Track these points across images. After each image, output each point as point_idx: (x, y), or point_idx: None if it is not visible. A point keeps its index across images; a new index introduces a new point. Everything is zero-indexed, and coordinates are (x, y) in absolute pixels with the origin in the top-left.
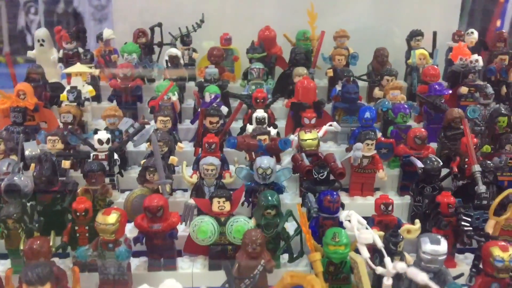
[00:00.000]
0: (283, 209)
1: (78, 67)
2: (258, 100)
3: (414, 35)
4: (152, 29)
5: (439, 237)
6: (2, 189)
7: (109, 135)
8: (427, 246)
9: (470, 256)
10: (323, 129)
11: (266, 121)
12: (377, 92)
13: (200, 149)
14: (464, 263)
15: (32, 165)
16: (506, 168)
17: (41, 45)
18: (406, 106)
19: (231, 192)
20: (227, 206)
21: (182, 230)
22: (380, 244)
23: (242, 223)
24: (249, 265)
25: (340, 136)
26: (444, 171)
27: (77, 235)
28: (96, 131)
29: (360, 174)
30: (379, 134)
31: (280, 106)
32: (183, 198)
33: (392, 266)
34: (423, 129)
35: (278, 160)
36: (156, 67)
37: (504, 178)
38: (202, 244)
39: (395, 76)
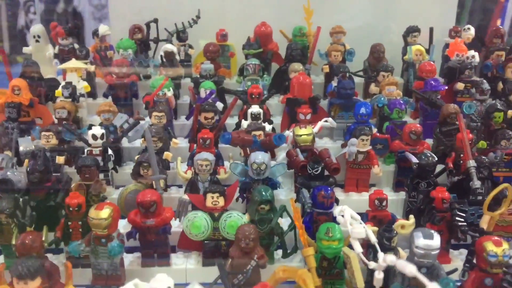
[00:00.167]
0: (278, 205)
1: (73, 63)
2: (253, 96)
3: (411, 31)
4: (148, 25)
5: (432, 231)
6: None
7: (103, 131)
8: (420, 241)
9: (464, 252)
10: (318, 125)
11: (261, 116)
12: (373, 88)
13: (195, 144)
14: (458, 259)
15: (26, 160)
16: (501, 163)
17: (37, 41)
18: (401, 102)
19: (225, 187)
20: (221, 202)
21: (176, 225)
22: (373, 239)
23: (235, 218)
24: (242, 261)
25: (336, 132)
26: (440, 167)
27: (70, 230)
28: (90, 127)
29: (355, 169)
30: (375, 130)
31: (276, 102)
32: (177, 194)
33: (382, 259)
34: (418, 125)
35: (273, 156)
36: (151, 63)
37: (499, 173)
38: (195, 240)
39: (391, 72)
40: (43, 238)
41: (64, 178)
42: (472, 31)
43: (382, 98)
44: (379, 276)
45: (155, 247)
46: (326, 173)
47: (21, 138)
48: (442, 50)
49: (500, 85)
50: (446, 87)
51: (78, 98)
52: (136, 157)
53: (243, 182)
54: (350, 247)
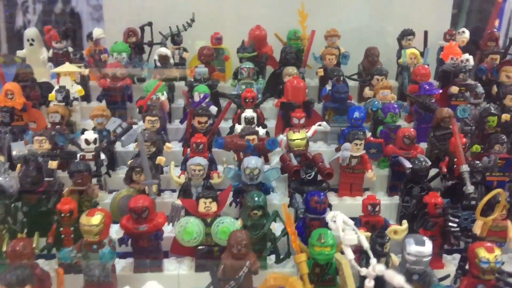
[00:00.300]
0: (273, 209)
1: (66, 67)
2: (247, 100)
3: (406, 35)
4: (142, 28)
5: (424, 238)
6: None
7: (96, 135)
8: (412, 247)
9: (458, 257)
10: (312, 129)
11: (255, 121)
12: (367, 91)
13: (188, 149)
14: (452, 264)
15: (19, 165)
16: (495, 168)
17: (31, 44)
18: (395, 105)
19: (218, 192)
20: (213, 207)
21: (169, 231)
22: (366, 245)
23: (228, 224)
24: (234, 267)
25: (330, 136)
26: (434, 171)
27: (62, 236)
28: (83, 131)
29: (349, 174)
30: (369, 134)
31: (270, 105)
32: (171, 198)
33: (371, 267)
34: (412, 129)
35: (267, 160)
36: (146, 66)
37: (493, 178)
38: (187, 245)
39: (385, 75)
40: (34, 245)
41: (56, 183)
42: (467, 34)
43: (376, 102)
44: (369, 284)
45: (147, 253)
46: (320, 177)
47: (14, 142)
48: (437, 53)
49: (495, 89)
50: (440, 91)
51: (71, 102)
52: (129, 162)
53: (236, 187)
54: (343, 253)
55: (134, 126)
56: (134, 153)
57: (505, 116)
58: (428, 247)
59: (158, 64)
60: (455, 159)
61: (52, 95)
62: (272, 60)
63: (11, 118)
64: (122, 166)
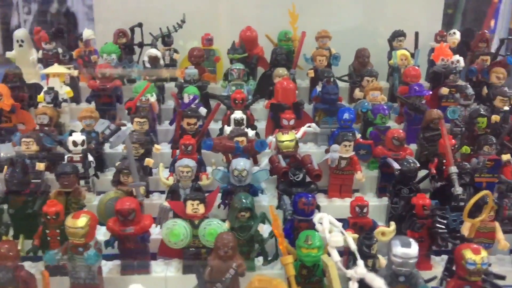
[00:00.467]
0: (262, 211)
1: (55, 68)
2: (236, 101)
3: (396, 36)
4: (132, 29)
5: (410, 240)
6: None
7: (83, 137)
8: (398, 249)
9: (446, 258)
10: (301, 130)
11: (245, 122)
12: (357, 93)
13: (177, 150)
14: (440, 265)
15: (5, 167)
16: (484, 169)
17: (20, 45)
18: (385, 107)
19: (206, 194)
20: (201, 209)
21: (157, 233)
22: (353, 246)
23: (215, 226)
24: (221, 269)
25: (321, 137)
26: (424, 172)
27: (48, 238)
28: (71, 133)
29: (338, 175)
30: (359, 135)
31: (261, 107)
32: (159, 200)
33: (354, 270)
34: (401, 130)
35: (256, 162)
36: (136, 67)
37: (482, 179)
38: (174, 247)
39: (376, 77)
40: (19, 247)
41: (42, 185)
42: (458, 35)
43: (366, 103)
44: (353, 286)
45: (134, 255)
46: (308, 179)
47: (1, 144)
48: (427, 54)
49: (485, 90)
50: (430, 92)
51: (60, 103)
52: (117, 164)
53: (224, 188)
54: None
55: (123, 128)
56: (122, 155)
57: (495, 118)
58: (414, 249)
59: (148, 65)
60: (444, 161)
61: (40, 97)
62: (263, 61)
63: None
64: (111, 168)
